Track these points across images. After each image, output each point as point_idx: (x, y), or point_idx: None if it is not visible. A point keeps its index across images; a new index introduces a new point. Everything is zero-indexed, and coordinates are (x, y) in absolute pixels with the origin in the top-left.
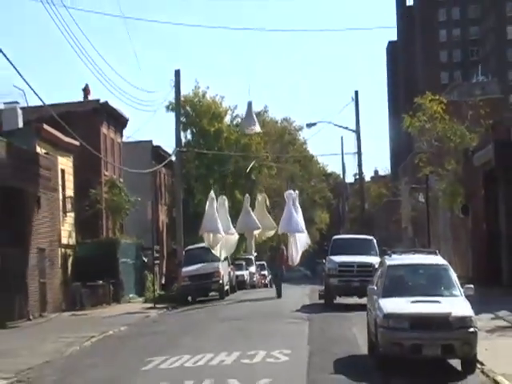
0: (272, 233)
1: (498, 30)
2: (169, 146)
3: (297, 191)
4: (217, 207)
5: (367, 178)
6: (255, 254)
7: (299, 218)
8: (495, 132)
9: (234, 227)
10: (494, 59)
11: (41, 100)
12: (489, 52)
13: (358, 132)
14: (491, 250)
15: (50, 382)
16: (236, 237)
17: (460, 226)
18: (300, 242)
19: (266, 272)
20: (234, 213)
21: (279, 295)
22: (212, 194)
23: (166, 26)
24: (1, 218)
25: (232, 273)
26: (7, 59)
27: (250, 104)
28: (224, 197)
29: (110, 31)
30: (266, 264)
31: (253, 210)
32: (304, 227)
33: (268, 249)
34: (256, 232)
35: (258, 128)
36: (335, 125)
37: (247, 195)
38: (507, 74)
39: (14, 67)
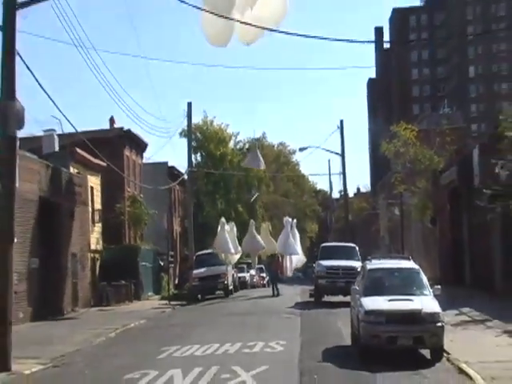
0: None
1: (461, 69)
2: (182, 166)
3: (295, 220)
4: (227, 230)
5: (351, 194)
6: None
7: (296, 241)
8: (458, 156)
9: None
10: (458, 94)
11: (74, 128)
12: (453, 88)
13: (342, 155)
14: (455, 256)
15: (80, 367)
16: (241, 253)
17: (429, 235)
18: (293, 261)
19: (264, 274)
20: (237, 224)
21: (274, 294)
22: (223, 219)
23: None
24: (40, 227)
25: (235, 274)
26: (47, 95)
27: (255, 146)
28: (233, 223)
29: (133, 69)
30: (264, 267)
31: (259, 234)
32: (299, 249)
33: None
34: (260, 252)
35: (262, 165)
36: (323, 149)
37: (252, 221)
38: (469, 107)
39: (52, 101)
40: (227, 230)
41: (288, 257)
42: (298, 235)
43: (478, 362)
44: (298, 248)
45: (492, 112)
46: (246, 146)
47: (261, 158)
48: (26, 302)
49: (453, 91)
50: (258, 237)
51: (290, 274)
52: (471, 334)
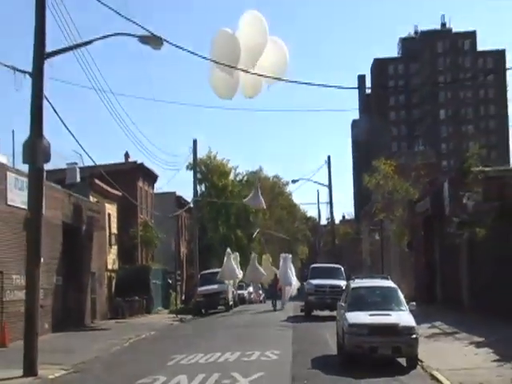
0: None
1: (433, 112)
2: (188, 195)
3: (290, 255)
4: (233, 258)
5: (337, 221)
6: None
7: (292, 273)
8: (431, 188)
9: (243, 271)
10: (430, 134)
11: (93, 161)
12: (426, 129)
13: (329, 187)
14: (428, 276)
15: (98, 372)
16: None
17: (406, 257)
18: (290, 290)
19: (260, 291)
20: (236, 248)
21: (274, 309)
22: (228, 250)
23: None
24: (64, 248)
25: (235, 292)
26: (70, 133)
27: (256, 187)
28: (237, 253)
29: (145, 109)
30: (261, 285)
31: (260, 264)
32: (294, 279)
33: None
34: (262, 279)
35: (263, 205)
36: (313, 181)
37: (254, 254)
38: (440, 145)
39: (74, 138)
40: (233, 258)
41: (287, 287)
42: (293, 268)
43: (447, 370)
44: (294, 279)
45: (460, 150)
46: (245, 178)
47: (261, 198)
48: (51, 315)
49: (426, 131)
50: (259, 267)
51: (287, 299)
52: (442, 344)
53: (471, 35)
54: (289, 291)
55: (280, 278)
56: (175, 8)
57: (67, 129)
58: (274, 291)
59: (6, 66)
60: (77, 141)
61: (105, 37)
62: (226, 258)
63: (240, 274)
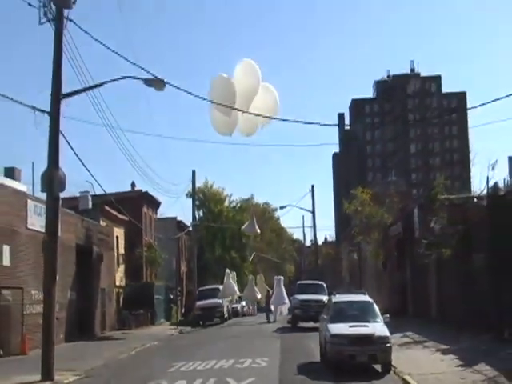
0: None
1: (405, 146)
2: (187, 220)
3: (282, 277)
4: (232, 277)
5: (320, 243)
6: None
7: (284, 293)
8: (403, 213)
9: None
10: (402, 166)
11: (103, 190)
12: (398, 161)
13: (313, 212)
14: (401, 292)
15: (107, 378)
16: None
17: (381, 275)
18: (283, 307)
19: (250, 305)
20: (231, 268)
21: (268, 321)
22: (227, 270)
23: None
24: (77, 267)
25: (229, 305)
26: (83, 165)
27: (252, 216)
28: (234, 272)
29: (148, 143)
30: (249, 302)
31: (255, 283)
32: (286, 299)
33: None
34: (258, 299)
35: (258, 231)
36: (299, 207)
37: (251, 276)
38: (410, 176)
39: (87, 169)
40: (231, 277)
41: (281, 307)
42: (284, 289)
43: (417, 374)
44: (286, 299)
45: (427, 180)
46: (239, 204)
47: (256, 226)
48: (65, 326)
49: (398, 163)
50: (255, 288)
51: (278, 315)
52: (413, 352)
53: (437, 79)
54: (281, 309)
55: (275, 298)
56: (179, 47)
57: (81, 161)
58: (267, 307)
59: (26, 105)
60: (89, 172)
61: (114, 80)
62: (225, 277)
63: (238, 291)
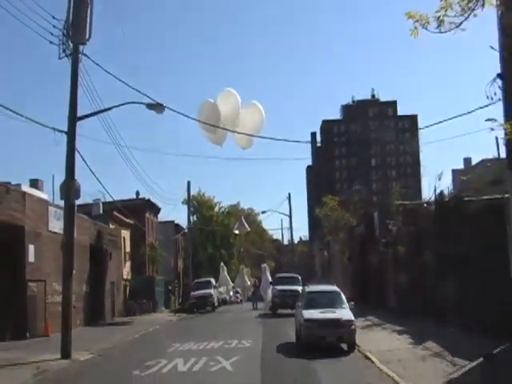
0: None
1: (367, 161)
2: (184, 223)
3: (267, 265)
4: (225, 270)
5: (296, 242)
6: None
7: (269, 279)
8: (365, 217)
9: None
10: (364, 177)
11: (112, 198)
12: (361, 173)
13: (290, 216)
14: (363, 283)
15: (116, 356)
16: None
17: (347, 269)
18: (269, 292)
19: (238, 295)
20: (219, 262)
21: (254, 308)
22: (222, 264)
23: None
24: (90, 264)
25: (219, 295)
26: (97, 178)
27: (240, 218)
28: (225, 267)
29: (150, 158)
30: (240, 291)
31: (241, 276)
32: (271, 283)
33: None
34: (247, 287)
35: (248, 228)
36: (278, 212)
37: (242, 266)
38: (371, 185)
39: (99, 182)
40: (225, 270)
41: (268, 291)
42: (269, 276)
43: (377, 351)
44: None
45: (385, 189)
46: (227, 210)
47: (246, 225)
48: (81, 314)
49: (361, 175)
50: (246, 277)
51: (269, 300)
52: (373, 333)
53: (393, 104)
54: (269, 293)
55: (263, 285)
56: (177, 72)
57: (93, 174)
58: (253, 295)
59: (47, 127)
60: (100, 183)
61: (121, 104)
62: (221, 270)
63: (230, 281)
